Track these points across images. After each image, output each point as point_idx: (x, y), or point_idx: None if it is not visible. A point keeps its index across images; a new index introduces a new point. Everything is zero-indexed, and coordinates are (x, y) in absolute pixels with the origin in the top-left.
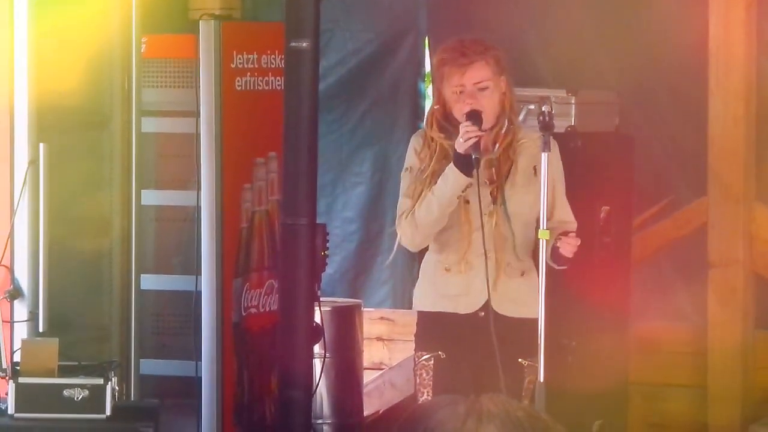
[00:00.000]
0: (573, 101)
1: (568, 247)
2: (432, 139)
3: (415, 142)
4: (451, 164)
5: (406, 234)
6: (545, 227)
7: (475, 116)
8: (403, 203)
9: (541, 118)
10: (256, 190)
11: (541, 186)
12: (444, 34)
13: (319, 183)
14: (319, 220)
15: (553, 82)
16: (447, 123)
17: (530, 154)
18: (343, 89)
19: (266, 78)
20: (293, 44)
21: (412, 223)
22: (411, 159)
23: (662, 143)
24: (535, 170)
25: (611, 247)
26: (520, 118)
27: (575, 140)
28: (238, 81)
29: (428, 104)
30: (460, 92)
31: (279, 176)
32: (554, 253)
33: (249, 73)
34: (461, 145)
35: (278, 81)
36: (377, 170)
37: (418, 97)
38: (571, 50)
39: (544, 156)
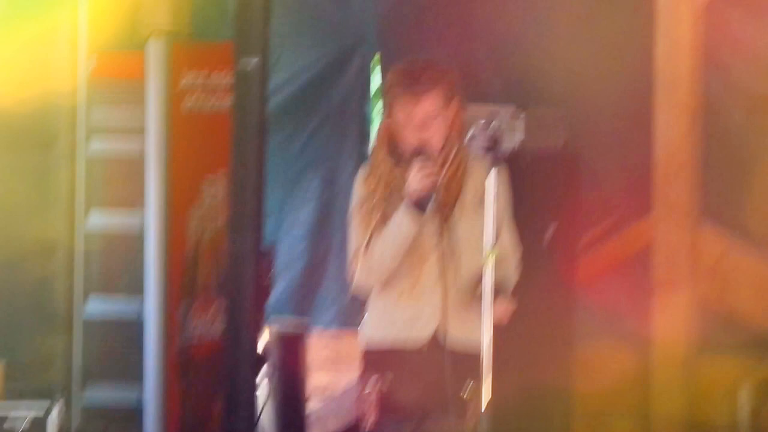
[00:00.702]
0: (521, 118)
1: (499, 315)
2: (379, 165)
3: (362, 175)
4: (404, 206)
5: (361, 275)
6: (491, 249)
7: (425, 149)
8: (354, 242)
9: (489, 135)
10: (203, 211)
11: (490, 206)
12: (394, 50)
13: (268, 202)
14: (267, 240)
15: (501, 98)
16: (392, 149)
17: (479, 179)
18: (292, 107)
19: (214, 97)
20: (241, 63)
21: (366, 262)
22: (359, 193)
23: (609, 161)
24: (484, 194)
25: (558, 266)
26: (470, 133)
27: (522, 158)
28: (186, 100)
29: (376, 123)
30: (410, 120)
31: (226, 196)
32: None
33: (197, 93)
34: (416, 182)
35: (226, 100)
36: (325, 189)
37: (366, 115)
38: (520, 66)
39: (491, 176)
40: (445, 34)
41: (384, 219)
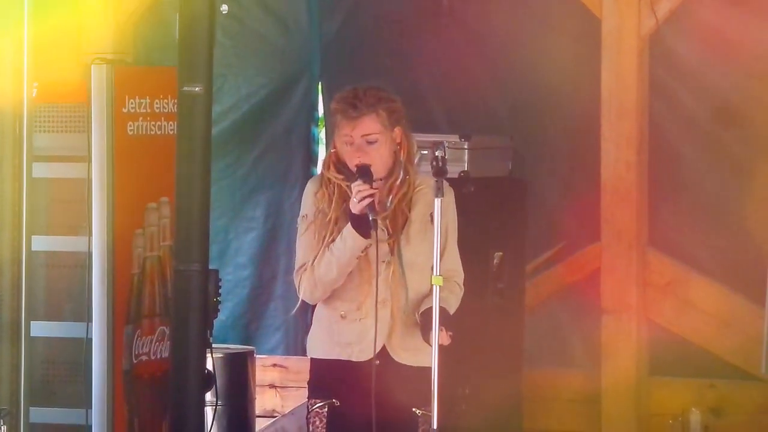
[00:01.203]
0: (466, 146)
1: (440, 340)
2: (329, 180)
3: (311, 185)
4: (348, 226)
5: (305, 288)
6: (437, 273)
7: (364, 172)
8: (301, 254)
9: (434, 163)
10: (147, 236)
11: (435, 233)
12: (337, 79)
13: (212, 228)
14: (211, 266)
15: (446, 127)
16: (343, 167)
17: (427, 202)
18: (236, 134)
19: (159, 123)
20: (186, 89)
21: (311, 278)
22: (307, 204)
23: (555, 188)
24: (431, 217)
25: (504, 293)
26: (414, 162)
27: (468, 185)
28: (130, 126)
29: (322, 149)
30: (350, 144)
31: (171, 221)
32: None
33: (141, 118)
34: (356, 205)
35: (171, 126)
36: (270, 216)
37: (311, 142)
38: (464, 95)
39: (437, 201)
40: (388, 63)
41: (332, 236)
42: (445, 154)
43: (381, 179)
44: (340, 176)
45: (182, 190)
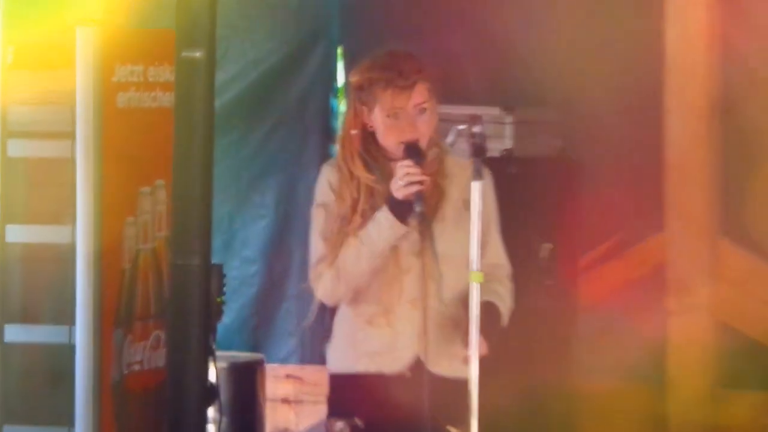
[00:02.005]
0: (509, 120)
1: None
2: (351, 174)
3: (329, 174)
4: (385, 209)
5: (324, 286)
6: (476, 268)
7: (415, 151)
8: (317, 248)
9: (471, 140)
10: (140, 225)
11: (473, 222)
12: (359, 43)
13: (215, 216)
14: (214, 260)
15: (485, 98)
16: (370, 154)
17: (460, 185)
18: (242, 107)
19: (153, 93)
20: (185, 54)
21: (333, 274)
22: (325, 193)
23: (612, 169)
24: (465, 203)
25: (554, 291)
26: (448, 140)
27: (511, 166)
28: (121, 97)
29: (340, 123)
30: (395, 115)
31: (168, 208)
32: None
33: (133, 88)
34: (401, 189)
35: (167, 97)
36: (282, 201)
37: (329, 115)
38: (506, 61)
39: (475, 185)
40: (418, 24)
41: (355, 229)
42: (484, 130)
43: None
44: (366, 171)
45: (180, 172)
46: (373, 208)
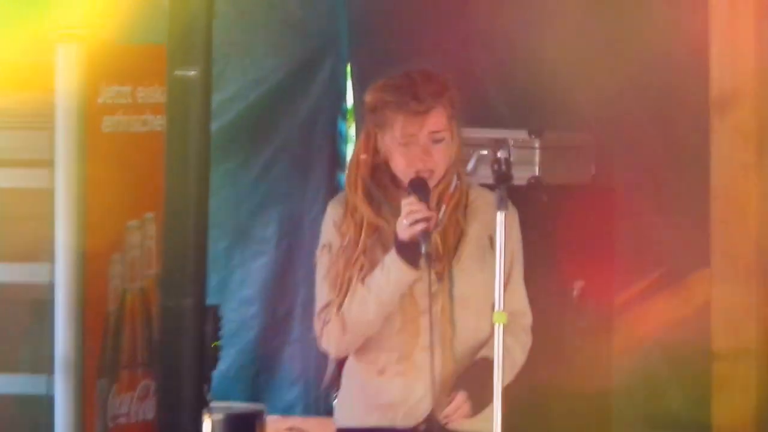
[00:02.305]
0: (537, 145)
1: (454, 417)
2: (355, 208)
3: (333, 211)
4: (393, 253)
5: (330, 336)
6: (501, 308)
7: (420, 187)
8: (322, 294)
9: (495, 166)
10: (128, 262)
11: (497, 257)
12: (371, 60)
13: (211, 253)
14: (209, 301)
15: (511, 120)
16: (380, 184)
17: (484, 220)
18: (242, 130)
19: (143, 116)
20: (178, 73)
21: (339, 323)
22: (329, 234)
23: (652, 198)
24: (491, 240)
25: (587, 334)
26: (470, 167)
27: (540, 195)
28: (107, 121)
29: (349, 147)
30: (408, 144)
31: (158, 244)
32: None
33: (121, 111)
34: (405, 229)
35: (158, 120)
36: (285, 235)
37: (338, 140)
38: (534, 81)
39: (499, 216)
40: (436, 40)
41: (362, 271)
42: (510, 155)
43: (433, 186)
44: (369, 206)
45: (173, 204)
46: (381, 248)
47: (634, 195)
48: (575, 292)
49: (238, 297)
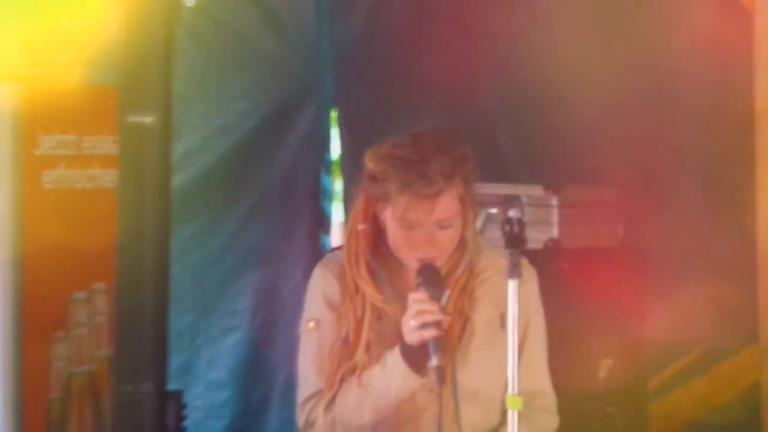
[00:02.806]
0: (554, 202)
1: None
2: (357, 289)
3: (323, 281)
4: (396, 352)
5: None
6: (515, 392)
7: (433, 280)
8: (308, 380)
9: (507, 228)
10: (74, 342)
11: (509, 334)
12: (361, 104)
13: (173, 329)
14: (171, 386)
15: (524, 174)
16: (381, 258)
17: (497, 296)
18: (208, 186)
19: (90, 170)
20: (131, 119)
21: (327, 424)
22: (318, 307)
23: (689, 263)
24: (503, 319)
25: (617, 422)
26: (478, 225)
27: (559, 260)
28: (47, 176)
29: (337, 209)
30: (413, 228)
31: (110, 320)
32: None
33: (64, 164)
34: (413, 332)
35: (108, 175)
36: (261, 308)
37: (321, 197)
38: (550, 125)
39: (511, 286)
40: (437, 82)
41: (357, 364)
42: (523, 214)
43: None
44: (377, 293)
45: (126, 273)
46: (382, 338)
47: (669, 260)
48: (601, 374)
49: (206, 381)
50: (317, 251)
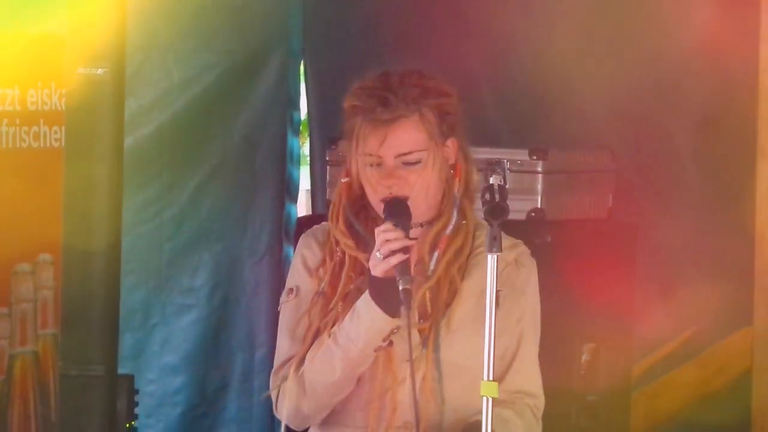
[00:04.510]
0: (540, 168)
1: None
2: (336, 242)
3: (305, 249)
4: (366, 296)
5: (286, 400)
6: (490, 377)
7: (397, 209)
8: (283, 347)
9: (487, 196)
10: (16, 319)
11: (487, 309)
12: (333, 58)
13: (124, 306)
14: (122, 369)
15: (507, 138)
16: (356, 214)
17: (493, 272)
18: (164, 147)
19: (35, 128)
20: (81, 71)
21: (297, 383)
22: (298, 275)
23: (682, 237)
24: (498, 298)
25: (599, 410)
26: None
27: (543, 233)
28: None
29: (305, 173)
30: (375, 165)
31: (56, 295)
32: None
33: (5, 121)
34: (378, 264)
35: (54, 132)
36: (220, 285)
37: (288, 160)
38: (536, 85)
39: (490, 260)
40: (418, 34)
41: (336, 322)
42: (505, 182)
43: (422, 224)
44: (351, 242)
45: (75, 243)
46: (361, 290)
47: (661, 234)
48: (584, 358)
49: (159, 364)
50: (282, 221)
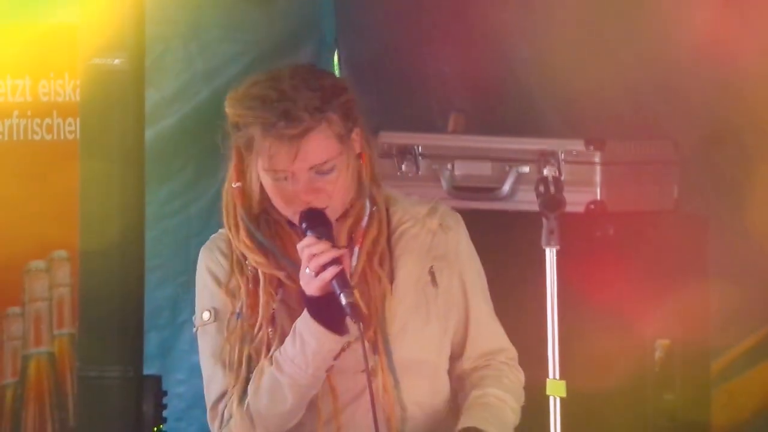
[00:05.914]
0: (598, 159)
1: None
2: (244, 257)
3: (211, 263)
4: (305, 317)
5: None
6: (556, 375)
7: (316, 221)
8: (215, 380)
9: (541, 188)
10: (30, 318)
11: (555, 316)
12: (368, 46)
13: (149, 304)
14: (148, 370)
15: (561, 128)
16: (256, 223)
17: (422, 247)
18: (188, 140)
19: (48, 120)
20: (97, 62)
21: (245, 419)
22: (211, 295)
23: (755, 228)
24: (433, 276)
25: (676, 408)
26: (505, 189)
27: (604, 226)
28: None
29: None
30: (286, 179)
31: (74, 293)
32: None
33: (16, 112)
34: (311, 282)
35: (70, 125)
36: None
37: None
38: (592, 76)
39: (549, 254)
40: (455, 24)
41: (268, 346)
42: (561, 173)
43: (336, 221)
44: (260, 257)
45: (92, 238)
46: (288, 312)
47: (732, 225)
48: (657, 355)
49: (189, 364)
50: None
